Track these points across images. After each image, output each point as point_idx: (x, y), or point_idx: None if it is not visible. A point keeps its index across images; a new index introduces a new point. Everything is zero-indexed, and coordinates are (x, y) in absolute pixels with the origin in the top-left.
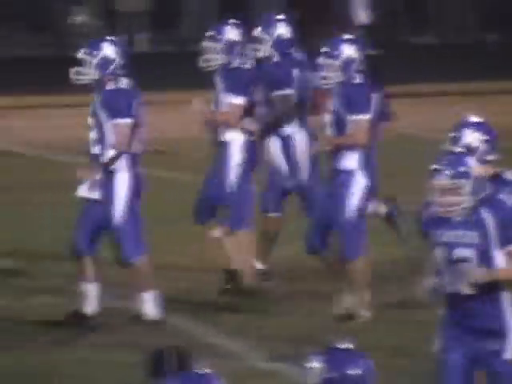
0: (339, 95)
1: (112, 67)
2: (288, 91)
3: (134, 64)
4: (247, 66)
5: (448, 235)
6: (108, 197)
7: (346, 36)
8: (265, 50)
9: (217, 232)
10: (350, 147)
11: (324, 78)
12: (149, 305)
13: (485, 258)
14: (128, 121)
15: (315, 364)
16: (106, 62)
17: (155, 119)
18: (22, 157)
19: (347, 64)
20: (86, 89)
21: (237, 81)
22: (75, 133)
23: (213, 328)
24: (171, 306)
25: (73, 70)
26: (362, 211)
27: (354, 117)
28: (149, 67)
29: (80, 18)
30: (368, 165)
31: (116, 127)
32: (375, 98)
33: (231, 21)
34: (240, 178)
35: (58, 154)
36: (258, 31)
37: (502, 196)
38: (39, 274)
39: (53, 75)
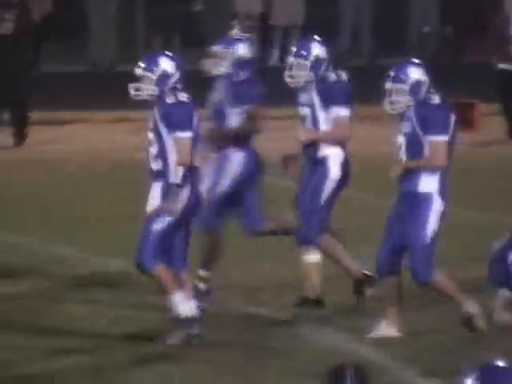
0: (414, 117)
1: (171, 82)
2: (246, 108)
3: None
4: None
5: None
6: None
7: (413, 60)
8: (227, 66)
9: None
10: (428, 169)
11: (392, 102)
12: None
13: None
14: (188, 134)
15: (469, 381)
16: (165, 77)
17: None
18: None
19: (416, 87)
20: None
21: (336, 94)
22: None
23: (371, 343)
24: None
25: (131, 86)
26: (437, 235)
27: (433, 138)
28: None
29: (235, 32)
30: (444, 187)
31: (177, 141)
32: (453, 118)
33: (316, 37)
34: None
35: None
36: (218, 48)
37: None
38: None
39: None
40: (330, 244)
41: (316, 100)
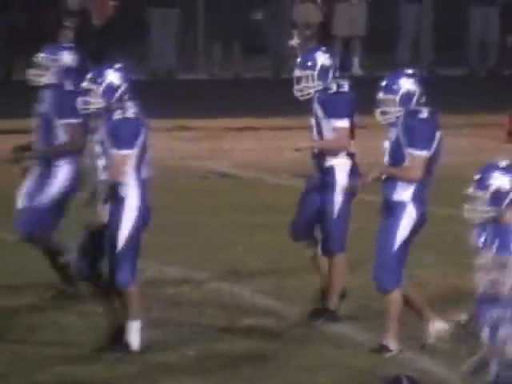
0: (400, 127)
1: (117, 94)
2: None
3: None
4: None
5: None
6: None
7: (406, 70)
8: (50, 76)
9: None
10: (404, 179)
11: (383, 113)
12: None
13: None
14: (124, 152)
15: None
16: (110, 90)
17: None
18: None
19: (407, 98)
20: (297, 112)
21: (334, 105)
22: (285, 155)
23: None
24: None
25: (79, 100)
26: (406, 245)
27: (412, 151)
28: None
29: (295, 41)
30: (421, 197)
31: (113, 158)
32: (439, 133)
33: (323, 48)
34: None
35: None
36: (42, 56)
37: None
38: None
39: (269, 98)
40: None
41: (318, 110)
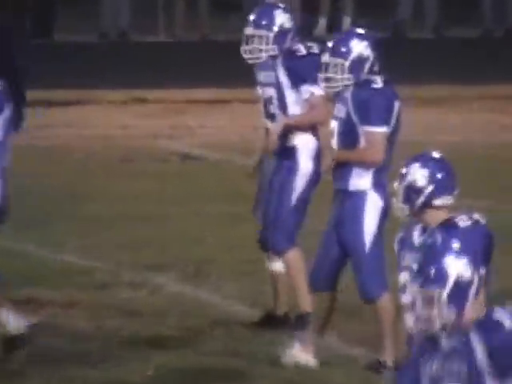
0: (351, 101)
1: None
2: None
3: None
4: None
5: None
6: None
7: (358, 30)
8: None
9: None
10: (361, 164)
11: (328, 79)
12: None
13: None
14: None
15: None
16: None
17: None
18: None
19: (358, 63)
20: None
21: (307, 71)
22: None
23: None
24: None
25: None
26: (379, 239)
27: (368, 128)
28: None
29: None
30: (382, 182)
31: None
32: (397, 105)
33: (283, 5)
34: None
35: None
36: None
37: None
38: None
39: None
40: (297, 260)
41: (283, 78)
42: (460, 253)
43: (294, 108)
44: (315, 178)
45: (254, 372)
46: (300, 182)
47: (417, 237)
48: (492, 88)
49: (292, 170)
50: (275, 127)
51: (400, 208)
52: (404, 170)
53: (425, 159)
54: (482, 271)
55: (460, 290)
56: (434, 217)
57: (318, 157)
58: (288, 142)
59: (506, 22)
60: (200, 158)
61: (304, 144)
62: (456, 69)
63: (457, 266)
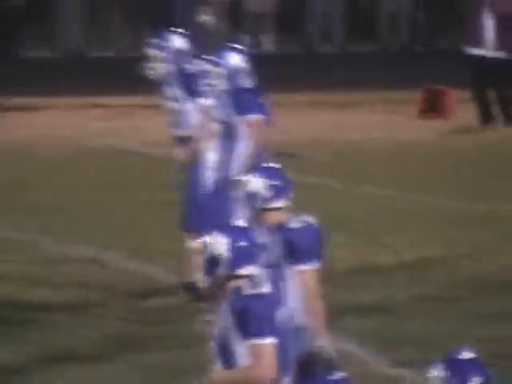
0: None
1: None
2: None
3: (260, 64)
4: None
5: None
6: None
7: (236, 46)
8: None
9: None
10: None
11: (210, 85)
12: None
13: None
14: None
15: (438, 372)
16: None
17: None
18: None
19: (234, 73)
20: None
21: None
22: None
23: (340, 333)
24: None
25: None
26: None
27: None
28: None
29: (205, 17)
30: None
31: None
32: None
33: (176, 29)
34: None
35: None
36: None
37: None
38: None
39: None
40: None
41: (178, 93)
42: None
43: (192, 116)
44: None
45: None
46: None
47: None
48: (390, 93)
49: None
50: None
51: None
52: (244, 179)
53: (261, 170)
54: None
55: None
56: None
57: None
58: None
59: (401, 38)
60: (146, 154)
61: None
62: (360, 78)
63: None
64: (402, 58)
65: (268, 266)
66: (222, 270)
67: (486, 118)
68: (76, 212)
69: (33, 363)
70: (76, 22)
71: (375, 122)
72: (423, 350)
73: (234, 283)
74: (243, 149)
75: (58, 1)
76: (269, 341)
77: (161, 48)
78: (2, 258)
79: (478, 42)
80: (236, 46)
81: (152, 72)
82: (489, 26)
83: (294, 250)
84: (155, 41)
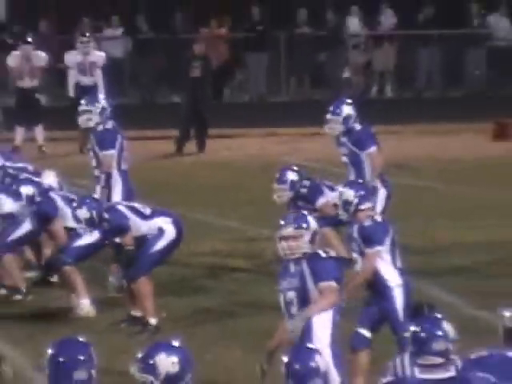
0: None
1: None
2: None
3: (385, 106)
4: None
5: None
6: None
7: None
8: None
9: None
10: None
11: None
12: None
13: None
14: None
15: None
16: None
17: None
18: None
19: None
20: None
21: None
22: None
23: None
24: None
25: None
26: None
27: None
28: None
29: (347, 74)
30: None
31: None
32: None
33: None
34: None
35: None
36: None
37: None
38: None
39: None
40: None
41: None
42: None
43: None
44: None
45: None
46: None
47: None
48: (472, 124)
49: None
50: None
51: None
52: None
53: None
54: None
55: None
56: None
57: None
58: None
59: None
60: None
61: None
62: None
63: None
64: (480, 100)
65: None
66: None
67: None
68: (265, 204)
69: (236, 308)
70: (262, 73)
71: (463, 144)
72: (506, 298)
73: None
74: (368, 174)
75: (246, 58)
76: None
77: (92, 104)
78: (209, 238)
79: None
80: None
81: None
82: None
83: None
84: (89, 99)
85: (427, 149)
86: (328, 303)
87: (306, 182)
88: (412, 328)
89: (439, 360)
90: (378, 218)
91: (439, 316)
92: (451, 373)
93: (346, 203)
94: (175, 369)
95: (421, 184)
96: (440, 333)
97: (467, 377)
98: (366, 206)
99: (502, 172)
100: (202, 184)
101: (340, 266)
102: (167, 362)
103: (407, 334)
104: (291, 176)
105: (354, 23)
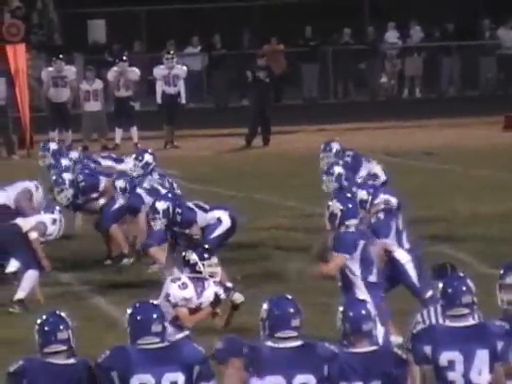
0: None
1: None
2: None
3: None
4: None
5: None
6: None
7: None
8: None
9: None
10: None
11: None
12: None
13: None
14: None
15: None
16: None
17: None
18: None
19: None
20: None
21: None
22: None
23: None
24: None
25: None
26: None
27: None
28: None
29: (383, 79)
30: None
31: None
32: None
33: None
34: None
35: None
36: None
37: None
38: None
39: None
40: None
41: None
42: None
43: None
44: None
45: None
46: None
47: None
48: (485, 118)
49: None
50: None
51: None
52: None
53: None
54: None
55: None
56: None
57: None
58: None
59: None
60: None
61: None
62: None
63: None
64: (492, 98)
65: None
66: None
67: None
68: (318, 186)
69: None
70: (314, 81)
71: (478, 134)
72: None
73: None
74: None
75: (300, 68)
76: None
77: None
78: (273, 215)
79: None
80: None
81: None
82: None
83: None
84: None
85: (449, 139)
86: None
87: (350, 174)
88: (442, 285)
89: (466, 311)
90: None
91: (462, 274)
92: (473, 321)
93: (332, 215)
94: None
95: (444, 167)
96: (466, 288)
97: (485, 324)
98: (350, 221)
99: (510, 157)
100: (267, 172)
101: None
102: None
103: (436, 291)
104: (337, 169)
105: (392, 36)
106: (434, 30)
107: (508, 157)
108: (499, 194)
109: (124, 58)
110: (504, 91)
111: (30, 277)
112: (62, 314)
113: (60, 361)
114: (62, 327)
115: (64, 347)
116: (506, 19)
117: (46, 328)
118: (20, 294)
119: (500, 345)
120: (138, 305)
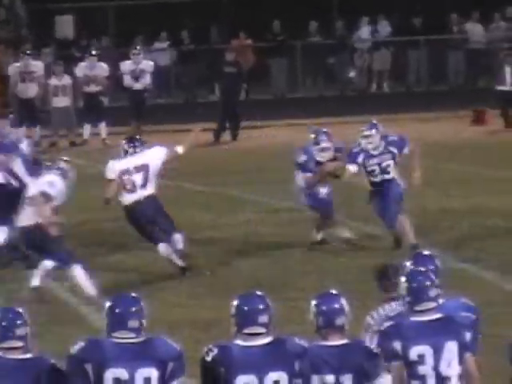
0: None
1: None
2: None
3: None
4: None
5: None
6: None
7: None
8: None
9: None
10: None
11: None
12: None
13: None
14: None
15: None
16: None
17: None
18: None
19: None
20: None
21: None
22: None
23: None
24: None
25: None
26: None
27: None
28: None
29: (352, 74)
30: None
31: None
32: None
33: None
34: None
35: None
36: None
37: None
38: None
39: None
40: None
41: None
42: None
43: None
44: None
45: None
46: None
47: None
48: (455, 112)
49: None
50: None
51: None
52: None
53: None
54: None
55: None
56: None
57: None
58: None
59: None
60: None
61: None
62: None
63: None
64: (460, 92)
65: None
66: None
67: (506, 124)
68: (287, 181)
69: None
70: (283, 75)
71: (446, 128)
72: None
73: None
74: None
75: (269, 63)
76: None
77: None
78: (243, 210)
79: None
80: None
81: None
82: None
83: None
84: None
85: (417, 133)
86: None
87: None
88: (405, 282)
89: (433, 304)
90: None
91: (424, 268)
92: (439, 314)
93: None
94: None
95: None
96: (430, 282)
97: (452, 316)
98: None
99: (478, 151)
100: (236, 167)
101: None
102: None
103: (400, 290)
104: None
105: (366, 32)
106: (401, 24)
107: (476, 151)
108: (468, 188)
109: (93, 53)
110: (472, 85)
111: (79, 274)
112: (20, 310)
113: (16, 356)
114: (19, 323)
115: (21, 343)
116: (473, 14)
117: (4, 323)
118: (91, 291)
119: (468, 335)
120: (118, 297)
